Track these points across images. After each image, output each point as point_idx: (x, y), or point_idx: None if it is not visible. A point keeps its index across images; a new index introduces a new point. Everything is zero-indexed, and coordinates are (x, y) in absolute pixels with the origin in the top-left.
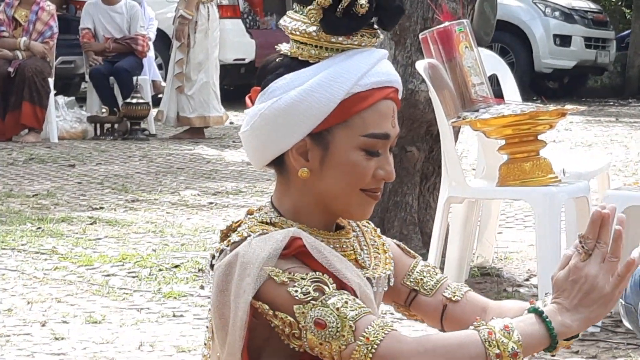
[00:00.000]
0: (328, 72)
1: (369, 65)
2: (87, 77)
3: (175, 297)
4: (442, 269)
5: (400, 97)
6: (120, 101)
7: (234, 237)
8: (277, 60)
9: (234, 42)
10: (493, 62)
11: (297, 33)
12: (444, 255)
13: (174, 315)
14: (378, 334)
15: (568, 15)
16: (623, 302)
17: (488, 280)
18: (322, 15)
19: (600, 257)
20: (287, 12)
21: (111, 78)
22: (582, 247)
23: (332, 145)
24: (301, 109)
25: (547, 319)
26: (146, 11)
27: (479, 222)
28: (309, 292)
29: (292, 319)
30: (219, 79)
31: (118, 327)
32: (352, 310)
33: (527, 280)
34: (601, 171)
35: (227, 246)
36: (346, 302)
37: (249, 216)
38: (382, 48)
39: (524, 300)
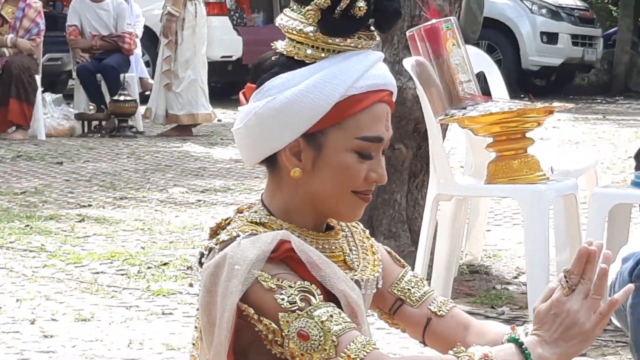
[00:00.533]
0: (324, 74)
1: (365, 67)
2: (74, 75)
3: (164, 295)
4: (430, 266)
5: (394, 99)
6: (107, 98)
7: (223, 236)
8: (272, 58)
9: (221, 39)
10: (480, 60)
11: (294, 32)
12: (432, 253)
13: (163, 313)
14: (360, 352)
15: (555, 12)
16: None
17: (477, 277)
18: (320, 16)
19: (584, 293)
20: (284, 10)
21: (98, 75)
22: (567, 281)
23: (325, 147)
24: (296, 109)
25: (527, 351)
26: (133, 8)
27: (467, 220)
28: (295, 302)
29: (275, 326)
30: (206, 76)
31: (107, 325)
32: (337, 325)
33: (515, 277)
34: (589, 169)
35: (216, 244)
36: (331, 316)
37: (238, 214)
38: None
39: (512, 307)
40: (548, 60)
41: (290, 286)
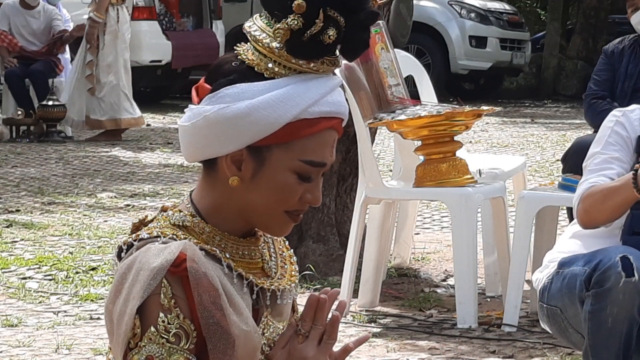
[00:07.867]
0: (281, 92)
1: (322, 94)
2: (2, 79)
3: (92, 300)
4: (359, 270)
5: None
6: (36, 103)
7: (143, 234)
8: (233, 64)
9: (150, 43)
10: (409, 64)
11: (260, 44)
12: (361, 256)
13: (91, 318)
14: None
15: (483, 16)
16: (545, 305)
17: (405, 280)
18: (288, 36)
19: (317, 338)
20: (255, 16)
21: (27, 80)
22: (299, 329)
23: (267, 163)
24: (246, 122)
25: None
26: (62, 12)
27: (396, 223)
28: (169, 332)
29: (139, 331)
30: (130, 81)
31: (35, 330)
32: None
33: (444, 280)
34: (517, 172)
35: (135, 240)
36: None
37: (162, 213)
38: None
39: (440, 309)
40: (477, 64)
41: (177, 316)
